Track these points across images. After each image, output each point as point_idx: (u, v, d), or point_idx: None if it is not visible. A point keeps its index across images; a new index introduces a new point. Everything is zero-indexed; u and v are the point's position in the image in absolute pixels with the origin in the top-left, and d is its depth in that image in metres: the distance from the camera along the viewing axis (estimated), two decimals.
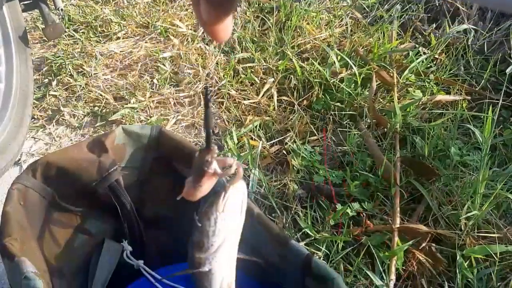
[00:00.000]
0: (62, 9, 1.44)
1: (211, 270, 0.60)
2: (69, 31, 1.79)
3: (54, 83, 1.56)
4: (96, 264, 0.86)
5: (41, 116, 1.47)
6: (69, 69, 1.61)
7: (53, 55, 1.67)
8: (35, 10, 1.45)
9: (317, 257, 1.07)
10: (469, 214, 1.08)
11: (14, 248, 0.71)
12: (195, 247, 0.59)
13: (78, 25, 1.84)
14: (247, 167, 1.29)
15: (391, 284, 1.00)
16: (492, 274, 1.01)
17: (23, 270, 0.69)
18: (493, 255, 1.01)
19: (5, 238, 0.73)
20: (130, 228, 0.93)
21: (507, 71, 1.44)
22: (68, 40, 1.76)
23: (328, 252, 1.08)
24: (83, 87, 1.55)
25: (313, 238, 1.12)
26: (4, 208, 0.78)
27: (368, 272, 0.99)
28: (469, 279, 1.02)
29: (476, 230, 1.10)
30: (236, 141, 1.35)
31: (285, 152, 1.37)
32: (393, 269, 1.02)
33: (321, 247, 1.09)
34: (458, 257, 1.03)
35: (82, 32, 1.80)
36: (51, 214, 0.86)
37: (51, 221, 0.86)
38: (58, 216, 0.87)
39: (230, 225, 0.58)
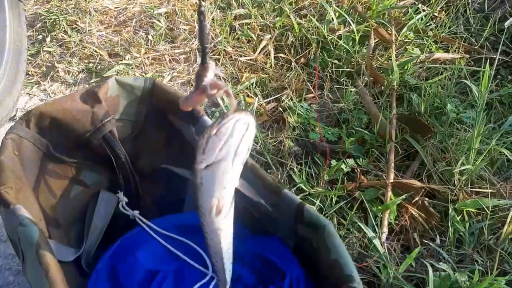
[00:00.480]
0: None
1: (203, 185, 0.61)
2: None
3: (48, 39, 1.54)
4: (92, 215, 0.88)
5: (35, 72, 1.45)
6: (63, 25, 1.58)
7: (46, 11, 1.64)
8: None
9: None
10: (462, 168, 1.09)
11: (9, 196, 0.72)
12: (194, 158, 0.60)
13: None
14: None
15: (383, 236, 1.01)
16: (484, 228, 1.02)
17: (19, 217, 0.69)
18: (485, 208, 1.02)
19: (0, 186, 0.73)
20: (125, 180, 0.94)
21: (506, 24, 1.42)
22: None
23: (322, 206, 1.10)
24: (77, 43, 1.53)
25: (307, 193, 1.13)
26: None
27: (361, 225, 1.01)
28: (461, 233, 1.04)
29: (469, 186, 1.11)
30: None
31: (281, 110, 1.36)
32: (385, 222, 1.04)
33: (315, 201, 1.10)
34: (450, 211, 1.04)
35: None
36: (46, 165, 0.86)
37: (46, 171, 0.86)
38: (53, 167, 0.87)
39: (223, 150, 0.57)
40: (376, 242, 0.97)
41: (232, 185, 0.62)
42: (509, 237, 0.99)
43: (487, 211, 1.02)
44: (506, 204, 1.04)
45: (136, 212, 0.87)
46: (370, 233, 0.98)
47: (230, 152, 0.58)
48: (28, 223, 0.68)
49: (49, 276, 0.63)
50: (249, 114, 0.58)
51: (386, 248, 1.00)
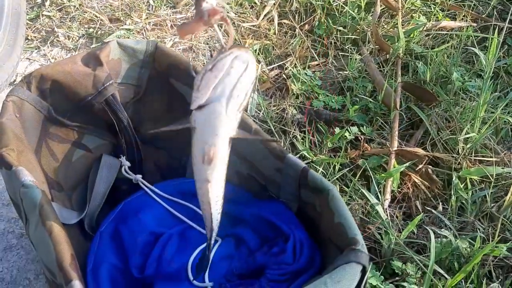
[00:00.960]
0: None
1: (196, 129, 0.58)
2: None
3: (47, 3, 1.51)
4: (94, 178, 0.87)
5: (35, 37, 1.43)
6: None
7: None
8: None
9: None
10: (467, 136, 1.08)
11: (11, 158, 0.71)
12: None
13: None
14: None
15: (386, 203, 1.01)
16: (487, 196, 1.02)
17: (21, 179, 0.69)
18: (489, 176, 1.02)
19: (2, 148, 0.72)
20: (128, 145, 0.93)
21: None
22: None
23: (325, 173, 1.09)
24: (77, 7, 1.50)
25: (310, 160, 1.13)
26: (0, 119, 0.77)
27: (364, 191, 1.00)
28: (463, 201, 1.04)
29: (473, 154, 1.10)
30: None
31: (284, 77, 1.34)
32: (388, 189, 1.03)
33: (318, 168, 1.09)
34: (454, 179, 1.04)
35: None
36: (47, 128, 0.85)
37: (47, 135, 0.86)
38: (55, 130, 0.87)
39: (218, 89, 0.54)
40: (379, 208, 0.97)
41: (226, 133, 0.58)
42: None
43: (491, 179, 1.01)
44: (510, 172, 1.04)
45: (139, 176, 0.87)
46: (373, 200, 0.98)
47: (225, 92, 0.54)
48: (31, 185, 0.68)
49: (52, 236, 0.63)
50: (250, 51, 0.54)
51: (388, 215, 1.00)
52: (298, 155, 1.15)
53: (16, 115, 0.79)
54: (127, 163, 0.89)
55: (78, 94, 0.85)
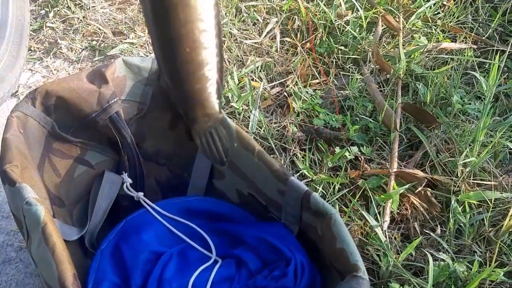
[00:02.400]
0: None
1: None
2: None
3: (51, 14, 1.52)
4: (96, 195, 0.87)
5: (38, 48, 1.44)
6: (67, 0, 1.56)
7: None
8: None
9: None
10: (466, 160, 1.09)
11: (15, 174, 0.72)
12: None
13: None
14: (247, 107, 1.28)
15: (385, 225, 1.02)
16: (485, 220, 1.03)
17: (24, 196, 0.69)
18: (488, 201, 1.02)
19: (5, 164, 0.73)
20: (130, 162, 0.93)
21: None
22: None
23: (325, 193, 1.10)
24: (80, 20, 1.51)
25: (310, 179, 1.13)
26: (4, 135, 0.77)
27: (363, 213, 1.01)
28: (461, 224, 1.04)
29: (472, 177, 1.11)
30: (237, 81, 1.34)
31: (286, 95, 1.35)
32: (387, 211, 1.04)
33: (318, 188, 1.10)
34: (452, 202, 1.05)
35: None
36: (51, 144, 0.86)
37: (51, 150, 0.86)
38: (58, 146, 0.87)
39: None
40: (378, 230, 0.97)
41: None
42: (510, 230, 1.00)
43: (489, 203, 1.02)
44: (508, 197, 1.05)
45: (141, 194, 0.87)
46: (373, 222, 0.99)
47: None
48: (34, 203, 0.68)
49: (55, 255, 0.63)
50: None
51: (387, 237, 1.00)
52: (298, 174, 1.16)
53: (21, 131, 0.80)
54: (129, 180, 0.89)
55: (83, 111, 0.85)
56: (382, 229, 1.00)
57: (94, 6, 1.55)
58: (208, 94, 0.60)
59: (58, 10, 1.53)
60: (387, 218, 1.03)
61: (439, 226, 1.06)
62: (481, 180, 1.11)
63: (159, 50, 0.56)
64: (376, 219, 1.03)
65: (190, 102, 0.61)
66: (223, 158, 0.69)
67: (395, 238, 1.04)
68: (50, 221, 0.67)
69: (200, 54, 0.54)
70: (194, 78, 0.57)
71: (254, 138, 1.23)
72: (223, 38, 1.48)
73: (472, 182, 1.10)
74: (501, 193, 1.04)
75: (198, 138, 0.67)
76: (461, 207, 1.06)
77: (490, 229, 1.04)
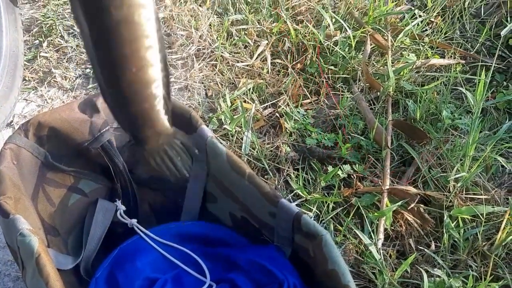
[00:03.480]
0: None
1: None
2: None
3: (44, 44, 1.54)
4: (90, 223, 0.88)
5: (32, 78, 1.46)
6: (60, 30, 1.58)
7: (43, 15, 1.64)
8: None
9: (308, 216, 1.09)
10: (457, 176, 1.10)
11: (9, 206, 0.73)
12: None
13: None
14: (240, 129, 1.29)
15: (379, 243, 1.02)
16: (478, 234, 1.03)
17: (18, 227, 0.70)
18: (480, 215, 1.03)
19: None
20: (123, 188, 0.94)
21: (502, 33, 1.43)
22: (58, 0, 1.72)
23: (319, 213, 1.11)
24: (74, 48, 1.53)
25: (304, 199, 1.14)
26: None
27: (357, 232, 1.01)
28: (456, 239, 1.05)
29: (464, 192, 1.12)
30: (229, 104, 1.35)
31: (278, 115, 1.37)
32: (381, 228, 1.05)
33: (312, 208, 1.10)
34: (445, 218, 1.06)
35: None
36: (44, 174, 0.87)
37: (44, 180, 0.87)
38: (52, 175, 0.88)
39: None
40: (372, 249, 0.98)
41: None
42: (503, 243, 1.00)
43: (482, 218, 1.03)
44: (500, 211, 1.05)
45: (134, 221, 0.87)
46: (367, 240, 0.99)
47: None
48: (28, 233, 0.69)
49: (49, 286, 0.64)
50: None
51: (382, 255, 1.01)
52: (293, 193, 1.17)
53: (14, 162, 0.81)
54: (123, 207, 0.90)
55: (75, 140, 0.86)
56: (376, 247, 1.00)
57: None
58: (157, 112, 0.57)
59: (51, 40, 1.55)
60: (381, 235, 1.04)
61: (433, 241, 1.07)
62: (474, 194, 1.12)
63: (102, 74, 0.53)
64: (371, 237, 1.04)
65: (138, 123, 0.58)
66: (184, 173, 0.67)
67: (390, 256, 1.05)
68: (44, 251, 0.68)
69: (147, 72, 0.52)
70: (141, 98, 0.54)
71: (248, 159, 1.24)
72: (215, 62, 1.50)
73: (465, 197, 1.11)
74: (493, 207, 1.04)
75: (152, 159, 0.64)
76: (455, 222, 1.07)
77: (484, 243, 1.04)
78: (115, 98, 0.56)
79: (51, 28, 1.59)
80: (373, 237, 1.04)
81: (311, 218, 1.07)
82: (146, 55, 0.51)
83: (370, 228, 1.05)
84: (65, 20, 1.62)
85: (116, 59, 0.50)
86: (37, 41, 1.57)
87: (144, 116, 0.57)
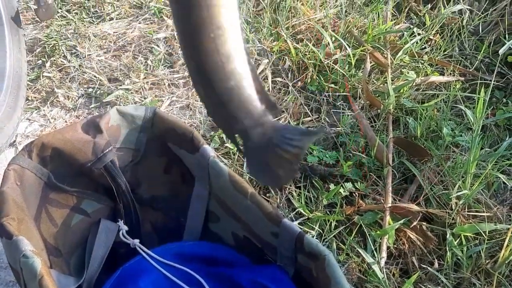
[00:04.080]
0: None
1: None
2: (61, 11, 1.78)
3: (47, 64, 1.56)
4: (92, 243, 0.88)
5: (35, 97, 1.47)
6: (63, 50, 1.60)
7: (46, 36, 1.66)
8: None
9: (310, 235, 1.09)
10: (459, 193, 1.10)
11: (12, 227, 0.73)
12: None
13: (71, 5, 1.82)
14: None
15: (382, 261, 1.02)
16: (481, 252, 1.03)
17: (21, 249, 0.70)
18: (482, 233, 1.03)
19: (2, 218, 0.74)
20: (126, 208, 0.94)
21: (500, 51, 1.45)
22: (61, 20, 1.75)
23: (321, 231, 1.10)
24: (77, 68, 1.54)
25: (306, 217, 1.14)
26: (1, 188, 0.79)
27: (360, 250, 1.01)
28: (459, 257, 1.05)
29: (466, 210, 1.12)
30: None
31: None
32: (384, 247, 1.04)
33: (314, 226, 1.10)
34: (448, 235, 1.05)
35: (75, 13, 1.79)
36: (47, 194, 0.87)
37: (47, 201, 0.87)
38: (55, 196, 0.88)
39: None
40: (375, 267, 0.98)
41: None
42: (506, 261, 1.00)
43: (484, 236, 1.02)
44: (503, 228, 1.05)
45: (137, 241, 0.87)
46: (370, 259, 0.99)
47: None
48: (31, 255, 0.69)
49: None
50: None
51: (385, 273, 1.00)
52: (294, 212, 1.17)
53: (17, 183, 0.81)
54: (125, 227, 0.90)
55: (78, 161, 0.87)
56: (379, 266, 1.00)
57: (89, 55, 1.59)
58: (248, 95, 0.49)
59: (54, 60, 1.57)
60: (384, 254, 1.04)
61: (436, 260, 1.07)
62: (476, 211, 1.12)
63: (182, 42, 0.48)
64: (374, 256, 1.03)
65: (230, 109, 0.49)
66: (295, 173, 0.52)
67: (393, 274, 1.04)
68: (47, 273, 0.68)
69: (226, 42, 0.46)
70: (224, 74, 0.47)
71: (249, 178, 1.24)
72: None
73: (467, 214, 1.11)
74: (496, 225, 1.04)
75: (262, 162, 0.52)
76: (458, 240, 1.07)
77: (487, 261, 1.04)
78: (197, 73, 0.49)
79: (54, 48, 1.61)
80: (376, 255, 1.03)
81: (313, 237, 1.07)
82: (224, 24, 0.46)
83: (373, 247, 1.05)
84: (68, 40, 1.64)
85: (194, 24, 0.45)
86: (40, 61, 1.58)
87: (233, 99, 0.48)
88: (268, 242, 0.81)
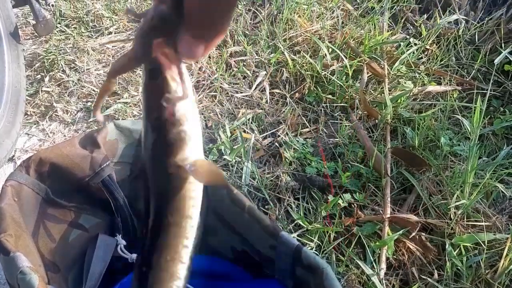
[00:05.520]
0: (52, 5, 1.43)
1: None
2: (60, 26, 1.79)
3: (46, 79, 1.56)
4: (90, 258, 0.88)
5: (34, 112, 1.47)
6: (62, 64, 1.61)
7: (45, 50, 1.67)
8: (26, 6, 1.45)
9: (309, 248, 1.09)
10: (458, 203, 1.10)
11: (9, 244, 0.73)
12: None
13: (70, 20, 1.84)
14: (240, 159, 1.30)
15: (382, 273, 1.01)
16: (481, 262, 1.03)
17: (18, 265, 0.70)
18: (481, 243, 1.03)
19: (0, 234, 0.74)
20: (124, 223, 0.94)
21: (496, 61, 1.45)
22: (60, 35, 1.76)
23: (320, 243, 1.10)
24: (75, 82, 1.55)
25: (305, 229, 1.14)
26: None
27: (359, 262, 1.01)
28: (459, 267, 1.04)
29: (465, 219, 1.12)
30: (229, 134, 1.36)
31: (277, 145, 1.38)
32: (383, 258, 1.04)
33: (313, 238, 1.10)
34: (447, 246, 1.05)
35: (73, 27, 1.80)
36: (45, 210, 0.87)
37: (45, 216, 0.87)
38: (52, 211, 0.88)
39: None
40: (375, 279, 0.97)
41: None
42: (506, 271, 1.00)
43: (484, 246, 1.02)
44: (502, 238, 1.05)
45: (135, 255, 0.87)
46: (369, 271, 0.99)
47: None
48: (28, 272, 0.69)
49: None
50: None
51: (385, 285, 1.00)
52: (293, 224, 1.17)
53: (15, 199, 0.81)
54: (123, 242, 0.89)
55: (76, 176, 0.87)
56: (379, 277, 1.00)
57: (88, 69, 1.60)
58: None
59: (53, 74, 1.58)
60: (383, 265, 1.03)
61: (436, 270, 1.06)
62: (475, 221, 1.12)
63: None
64: (373, 267, 1.03)
65: None
66: None
67: (393, 286, 1.04)
68: None
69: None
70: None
71: (248, 190, 1.24)
72: (215, 93, 1.51)
73: (466, 224, 1.11)
74: (495, 234, 1.04)
75: None
76: (457, 250, 1.06)
77: (487, 271, 1.03)
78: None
79: (53, 63, 1.62)
80: (375, 267, 1.03)
81: (312, 248, 1.06)
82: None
83: (372, 258, 1.04)
84: (67, 55, 1.65)
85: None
86: (39, 76, 1.59)
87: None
88: (267, 256, 0.81)
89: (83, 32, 1.77)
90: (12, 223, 0.76)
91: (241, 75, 1.57)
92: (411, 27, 1.80)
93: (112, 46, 1.69)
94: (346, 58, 1.52)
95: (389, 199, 1.16)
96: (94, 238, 0.91)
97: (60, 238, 0.89)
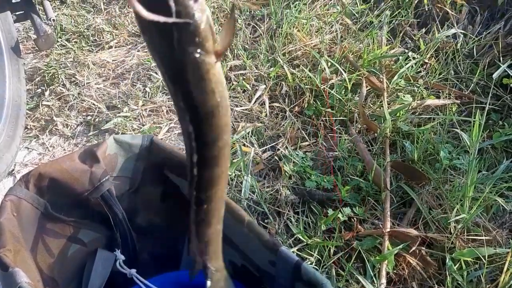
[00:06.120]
0: (53, 20, 1.45)
1: None
2: (61, 40, 1.80)
3: (47, 93, 1.57)
4: (89, 273, 0.87)
5: (34, 126, 1.48)
6: (62, 78, 1.62)
7: (45, 65, 1.68)
8: (27, 20, 1.47)
9: (309, 262, 1.08)
10: (458, 217, 1.10)
11: (8, 259, 0.72)
12: None
13: (70, 34, 1.85)
14: (240, 173, 1.30)
15: (382, 287, 1.01)
16: (482, 277, 1.02)
17: (17, 281, 0.69)
18: (482, 257, 1.02)
19: None
20: (123, 237, 0.94)
21: (494, 75, 1.46)
22: (61, 49, 1.77)
23: (320, 258, 1.10)
24: (75, 96, 1.56)
25: (305, 243, 1.13)
26: None
27: (359, 277, 1.00)
28: (459, 282, 1.04)
29: (465, 233, 1.11)
30: None
31: (277, 158, 1.38)
32: (383, 273, 1.03)
33: (313, 253, 1.10)
34: (447, 260, 1.05)
35: (74, 42, 1.81)
36: (44, 224, 0.87)
37: (44, 231, 0.86)
38: (51, 226, 0.88)
39: None
40: None
41: None
42: (507, 286, 0.99)
43: (484, 260, 1.02)
44: (503, 252, 1.04)
45: (133, 271, 0.86)
46: (369, 286, 0.98)
47: None
48: (27, 287, 0.68)
49: None
50: None
51: None
52: (293, 238, 1.16)
53: (14, 214, 0.81)
54: (122, 257, 0.89)
55: (75, 190, 0.87)
56: None
57: (88, 83, 1.61)
58: None
59: (53, 88, 1.58)
60: (384, 280, 1.03)
61: (436, 285, 1.05)
62: (475, 235, 1.12)
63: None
64: (373, 282, 1.02)
65: None
66: None
67: None
68: None
69: None
70: None
71: (247, 204, 1.24)
72: None
73: (466, 238, 1.11)
74: (495, 248, 1.03)
75: None
76: (457, 265, 1.06)
77: (488, 285, 1.03)
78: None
79: (53, 77, 1.63)
80: (375, 281, 1.02)
81: (312, 263, 1.06)
82: None
83: (372, 273, 1.04)
84: (67, 69, 1.66)
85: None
86: (39, 90, 1.60)
87: None
88: (266, 271, 0.80)
89: (84, 46, 1.78)
90: (11, 238, 0.76)
91: (241, 89, 1.57)
92: (410, 41, 1.81)
93: (113, 60, 1.70)
94: (345, 72, 1.53)
95: (389, 213, 1.16)
96: (93, 253, 0.90)
97: (58, 253, 0.88)
